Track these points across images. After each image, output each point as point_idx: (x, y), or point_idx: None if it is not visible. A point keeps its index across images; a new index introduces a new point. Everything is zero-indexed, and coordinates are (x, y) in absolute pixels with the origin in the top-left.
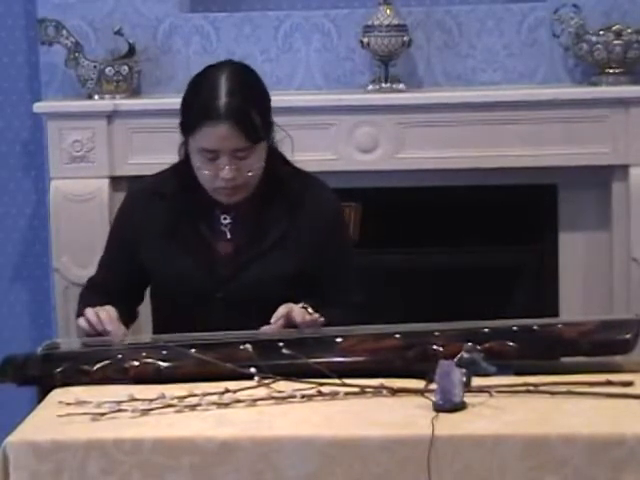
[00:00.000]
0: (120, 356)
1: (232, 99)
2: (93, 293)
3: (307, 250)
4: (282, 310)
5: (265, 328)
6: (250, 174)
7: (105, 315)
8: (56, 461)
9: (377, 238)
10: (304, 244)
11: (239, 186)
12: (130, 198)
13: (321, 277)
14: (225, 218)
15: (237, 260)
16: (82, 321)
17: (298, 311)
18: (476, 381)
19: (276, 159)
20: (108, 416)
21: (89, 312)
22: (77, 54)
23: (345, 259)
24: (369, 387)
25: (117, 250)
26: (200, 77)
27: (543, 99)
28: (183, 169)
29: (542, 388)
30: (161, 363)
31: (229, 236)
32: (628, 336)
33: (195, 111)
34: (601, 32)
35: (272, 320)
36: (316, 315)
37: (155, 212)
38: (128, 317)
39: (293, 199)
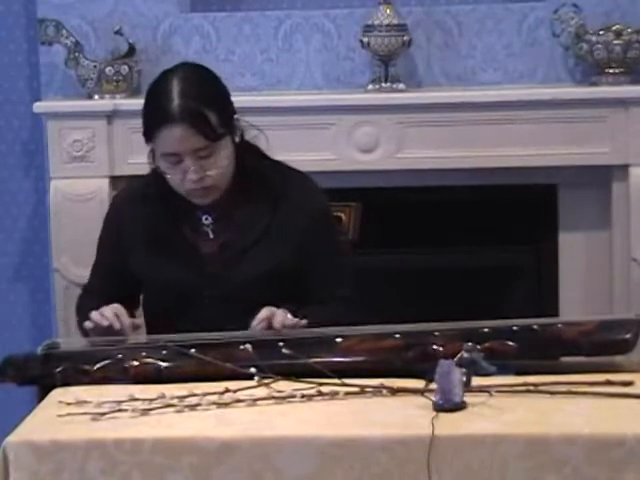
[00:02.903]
0: (120, 356)
1: (184, 100)
2: (90, 301)
3: (292, 243)
4: (264, 313)
5: (253, 329)
6: (217, 172)
7: (110, 312)
8: (56, 461)
9: (377, 238)
10: (289, 237)
11: (209, 186)
12: (115, 205)
13: (308, 270)
14: (207, 218)
15: (222, 258)
16: (89, 324)
17: (280, 315)
18: (476, 381)
19: (252, 154)
20: (108, 416)
21: (94, 314)
22: (77, 54)
23: (332, 250)
24: (369, 387)
25: (107, 258)
26: (154, 83)
27: (543, 99)
28: (160, 174)
29: (542, 388)
30: (161, 363)
31: (212, 236)
32: (628, 336)
33: (151, 117)
34: (601, 32)
35: (254, 323)
36: (297, 320)
37: (140, 217)
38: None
39: (275, 192)
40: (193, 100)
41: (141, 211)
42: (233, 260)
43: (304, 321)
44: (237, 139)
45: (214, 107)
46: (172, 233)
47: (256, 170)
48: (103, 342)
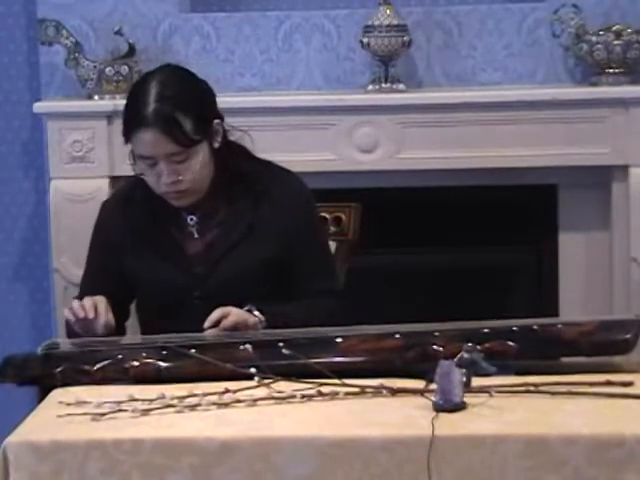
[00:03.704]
0: (120, 356)
1: (159, 105)
2: None
3: (276, 238)
4: (217, 314)
5: (208, 332)
6: (191, 177)
7: (90, 304)
8: (56, 461)
9: (377, 238)
10: (272, 232)
11: (184, 190)
12: (103, 211)
13: (293, 266)
14: (192, 219)
15: (208, 258)
16: (67, 312)
17: (234, 314)
18: (476, 381)
19: (237, 155)
20: (108, 416)
21: (74, 303)
22: (77, 54)
23: (315, 245)
24: (369, 387)
25: (98, 266)
26: (135, 85)
27: (543, 99)
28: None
29: (542, 388)
30: (161, 363)
31: (196, 235)
32: (628, 336)
33: (128, 119)
34: (601, 32)
35: (205, 325)
36: (253, 318)
37: (127, 220)
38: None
39: (258, 190)
40: (168, 105)
41: (129, 214)
42: (218, 259)
43: (257, 319)
44: (216, 144)
45: (190, 113)
46: (160, 234)
47: (240, 170)
48: (101, 342)
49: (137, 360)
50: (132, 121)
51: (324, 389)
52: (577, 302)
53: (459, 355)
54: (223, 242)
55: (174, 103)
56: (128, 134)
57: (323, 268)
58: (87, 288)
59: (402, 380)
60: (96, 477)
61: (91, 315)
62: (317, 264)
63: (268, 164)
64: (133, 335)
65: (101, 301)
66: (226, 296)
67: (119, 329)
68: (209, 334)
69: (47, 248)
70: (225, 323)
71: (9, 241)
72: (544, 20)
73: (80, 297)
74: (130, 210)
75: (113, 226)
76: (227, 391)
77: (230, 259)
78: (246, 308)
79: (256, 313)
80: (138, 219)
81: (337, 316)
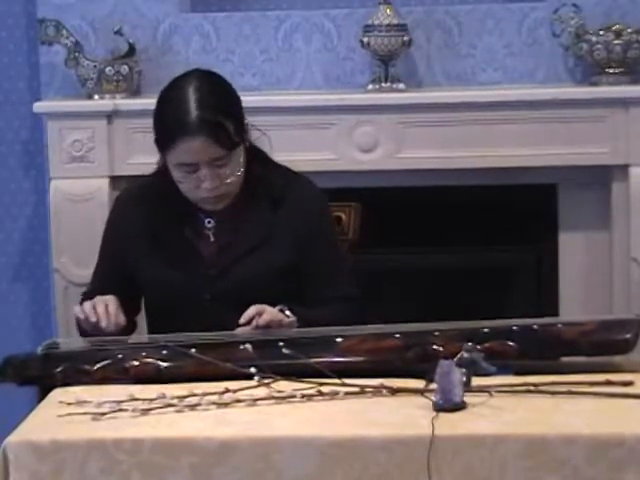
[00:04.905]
0: (120, 356)
1: (202, 111)
2: None
3: (291, 244)
4: (251, 311)
5: (240, 329)
6: (232, 180)
7: (102, 309)
8: (56, 461)
9: (377, 238)
10: (287, 238)
11: (222, 194)
12: (116, 206)
13: (308, 270)
14: (209, 222)
15: (222, 260)
16: (78, 311)
17: (268, 313)
18: (476, 381)
19: (256, 158)
20: (108, 416)
21: (86, 305)
22: (77, 54)
23: (332, 252)
24: (369, 387)
25: (109, 261)
26: (168, 92)
27: (543, 99)
28: (164, 175)
29: (542, 388)
30: (161, 363)
31: (212, 239)
32: (628, 336)
33: (168, 128)
34: (601, 32)
35: (240, 321)
36: (287, 319)
37: (141, 219)
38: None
39: (275, 195)
40: (211, 111)
41: (142, 211)
42: (231, 262)
43: (292, 319)
44: (247, 144)
45: (230, 116)
46: (173, 234)
47: (261, 175)
48: (103, 342)
49: (137, 360)
50: (174, 130)
51: (324, 389)
52: (577, 302)
53: (459, 355)
54: (238, 246)
55: (215, 108)
56: (168, 143)
57: (341, 275)
58: (95, 284)
59: (402, 380)
60: (96, 477)
61: (104, 323)
62: (334, 271)
63: (285, 170)
64: (137, 334)
65: (112, 301)
66: (236, 299)
67: (130, 324)
68: (241, 332)
69: (47, 248)
70: (259, 321)
71: (9, 241)
72: (544, 20)
73: (90, 291)
74: (143, 208)
75: (122, 223)
76: (227, 391)
77: (244, 263)
78: (278, 308)
79: (288, 313)
80: (151, 218)
81: (355, 322)
